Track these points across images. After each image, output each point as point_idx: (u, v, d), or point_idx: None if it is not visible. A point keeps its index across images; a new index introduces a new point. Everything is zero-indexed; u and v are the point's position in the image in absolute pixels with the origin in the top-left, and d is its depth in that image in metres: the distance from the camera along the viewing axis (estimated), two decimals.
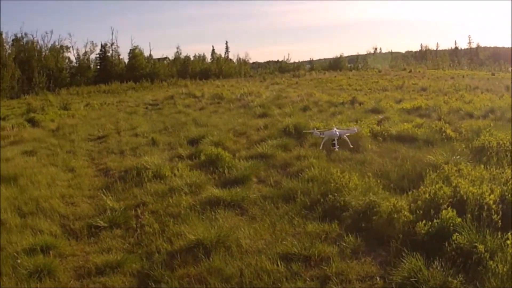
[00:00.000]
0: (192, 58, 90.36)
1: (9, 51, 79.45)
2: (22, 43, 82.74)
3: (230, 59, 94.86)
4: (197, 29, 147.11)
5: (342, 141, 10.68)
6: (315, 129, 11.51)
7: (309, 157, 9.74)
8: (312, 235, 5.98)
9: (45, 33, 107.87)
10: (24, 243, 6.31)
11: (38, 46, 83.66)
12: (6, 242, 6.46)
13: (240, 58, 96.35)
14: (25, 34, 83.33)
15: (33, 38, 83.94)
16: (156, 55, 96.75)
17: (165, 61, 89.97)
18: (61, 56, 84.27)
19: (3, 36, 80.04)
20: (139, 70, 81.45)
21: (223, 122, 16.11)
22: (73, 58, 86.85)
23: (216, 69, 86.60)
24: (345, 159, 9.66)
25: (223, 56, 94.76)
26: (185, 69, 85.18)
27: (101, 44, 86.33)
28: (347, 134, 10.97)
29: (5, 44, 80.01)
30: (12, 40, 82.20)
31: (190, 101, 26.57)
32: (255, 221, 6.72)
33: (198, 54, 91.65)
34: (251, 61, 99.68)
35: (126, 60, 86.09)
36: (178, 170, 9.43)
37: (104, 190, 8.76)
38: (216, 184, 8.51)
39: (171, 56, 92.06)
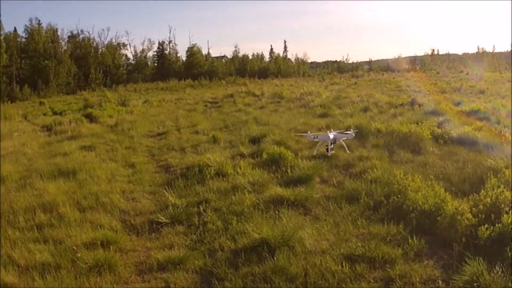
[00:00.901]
0: (250, 57, 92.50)
1: (65, 48, 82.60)
2: (78, 39, 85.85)
3: (289, 59, 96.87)
4: (255, 27, 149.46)
5: (339, 146, 10.62)
6: (309, 132, 11.32)
7: (372, 158, 9.86)
8: (376, 237, 6.07)
9: (101, 30, 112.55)
10: (83, 237, 6.51)
11: (95, 43, 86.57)
12: (64, 235, 6.70)
13: (298, 58, 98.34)
14: (81, 31, 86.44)
15: (90, 35, 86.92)
16: (214, 53, 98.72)
17: (223, 60, 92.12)
18: (118, 53, 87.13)
19: (59, 32, 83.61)
20: (197, 68, 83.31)
21: (284, 121, 16.33)
22: (130, 56, 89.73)
23: (275, 68, 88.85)
24: (407, 161, 9.79)
25: (281, 55, 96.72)
26: (244, 67, 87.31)
27: (159, 42, 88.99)
28: (343, 139, 10.78)
29: (61, 41, 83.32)
30: (68, 37, 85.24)
31: (250, 100, 27.06)
32: (319, 221, 6.81)
33: (257, 53, 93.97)
34: (309, 61, 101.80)
35: (184, 58, 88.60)
36: (240, 168, 9.55)
37: (165, 186, 8.96)
38: (279, 183, 8.60)
39: (229, 54, 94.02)
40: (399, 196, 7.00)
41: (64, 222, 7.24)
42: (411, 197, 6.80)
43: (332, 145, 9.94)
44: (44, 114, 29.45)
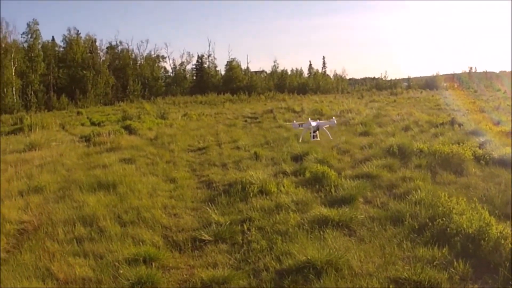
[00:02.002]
0: (289, 72, 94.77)
1: (104, 58, 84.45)
2: (116, 51, 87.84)
3: (327, 75, 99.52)
4: (294, 42, 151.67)
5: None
6: (294, 121, 11.72)
7: (415, 179, 9.78)
8: (421, 260, 6.03)
9: (140, 42, 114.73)
10: (125, 253, 6.54)
11: (133, 55, 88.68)
12: (105, 250, 6.74)
13: (337, 74, 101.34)
14: (120, 42, 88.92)
15: (128, 47, 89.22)
16: (253, 67, 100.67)
17: (262, 74, 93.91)
18: (156, 65, 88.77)
19: (98, 43, 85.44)
20: (236, 83, 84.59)
21: (325, 139, 16.24)
22: (169, 68, 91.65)
23: (314, 84, 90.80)
24: (449, 182, 9.70)
25: (320, 71, 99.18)
26: (283, 83, 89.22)
27: (198, 55, 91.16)
28: (326, 126, 12.88)
29: (99, 51, 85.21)
30: (107, 48, 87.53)
31: (290, 116, 27.34)
32: (364, 243, 6.77)
33: (296, 68, 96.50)
34: (347, 77, 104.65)
35: (223, 72, 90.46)
36: (283, 186, 9.56)
37: (208, 203, 8.98)
38: (323, 203, 8.58)
39: (268, 69, 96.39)
40: (443, 219, 6.99)
41: (105, 236, 7.29)
42: (455, 220, 6.79)
43: (316, 132, 10.30)
44: (82, 124, 30.03)
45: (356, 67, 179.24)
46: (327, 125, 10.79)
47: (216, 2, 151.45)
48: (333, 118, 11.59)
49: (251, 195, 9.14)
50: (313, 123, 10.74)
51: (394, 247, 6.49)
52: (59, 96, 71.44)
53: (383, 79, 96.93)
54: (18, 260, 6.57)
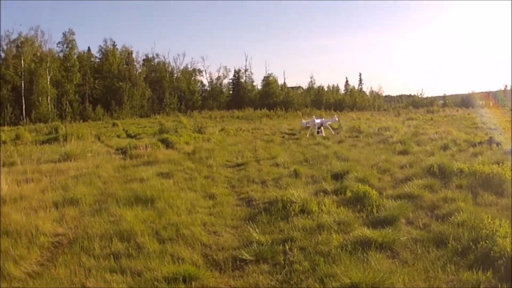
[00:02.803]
0: (326, 89, 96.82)
1: (140, 70, 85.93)
2: (153, 63, 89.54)
3: (364, 91, 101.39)
4: (330, 58, 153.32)
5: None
6: (302, 120, 12.46)
7: (456, 199, 9.71)
8: (465, 284, 6.02)
9: (177, 55, 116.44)
10: (164, 271, 6.45)
11: (170, 68, 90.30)
12: (143, 267, 6.68)
13: (373, 91, 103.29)
14: (157, 54, 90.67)
15: (165, 59, 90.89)
16: (290, 83, 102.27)
17: (298, 90, 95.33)
18: (193, 78, 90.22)
19: (134, 55, 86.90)
20: (272, 98, 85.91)
21: (365, 157, 16.32)
22: (205, 82, 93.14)
23: (350, 100, 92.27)
24: (491, 203, 9.63)
25: (356, 87, 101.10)
26: (319, 99, 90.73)
27: (235, 70, 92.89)
28: (329, 123, 16.06)
29: (135, 63, 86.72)
30: (143, 60, 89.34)
31: (328, 133, 27.09)
32: (408, 265, 6.70)
33: (332, 84, 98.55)
34: (383, 94, 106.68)
35: (259, 87, 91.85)
36: (325, 205, 9.49)
37: (248, 221, 8.93)
38: (365, 223, 8.53)
39: (304, 85, 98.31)
40: (487, 241, 6.94)
41: (142, 252, 7.24)
42: (499, 243, 6.74)
43: (321, 127, 10.94)
44: (118, 136, 30.40)
45: (392, 84, 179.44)
46: (329, 122, 11.61)
47: (253, 18, 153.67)
48: (335, 116, 12.64)
49: (292, 214, 9.08)
50: (317, 121, 11.97)
51: (438, 270, 6.43)
52: (95, 106, 72.59)
53: (419, 96, 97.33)
54: (52, 274, 6.56)
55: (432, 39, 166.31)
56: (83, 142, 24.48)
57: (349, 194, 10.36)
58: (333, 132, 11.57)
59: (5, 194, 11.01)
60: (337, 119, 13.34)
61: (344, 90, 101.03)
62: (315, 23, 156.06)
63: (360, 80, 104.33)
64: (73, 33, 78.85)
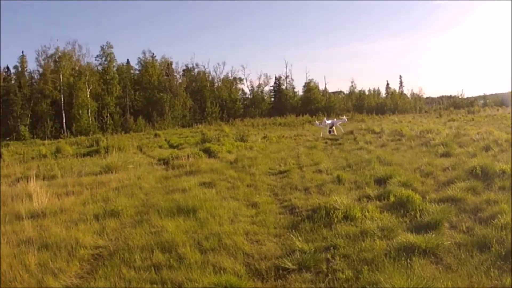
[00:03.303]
0: (367, 93, 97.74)
1: (180, 81, 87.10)
2: (193, 73, 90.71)
3: (404, 94, 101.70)
4: (371, 62, 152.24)
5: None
6: (316, 121, 14.06)
7: (500, 202, 9.52)
8: None
9: (217, 65, 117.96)
10: (205, 281, 6.44)
11: (210, 77, 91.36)
12: (184, 278, 6.66)
13: (414, 93, 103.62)
14: (196, 64, 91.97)
15: (205, 69, 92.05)
16: (331, 88, 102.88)
17: (340, 95, 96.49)
18: (234, 87, 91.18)
19: (174, 65, 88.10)
20: (314, 104, 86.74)
21: (407, 161, 16.21)
22: (246, 90, 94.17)
23: (392, 104, 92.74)
24: None
25: (397, 90, 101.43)
26: (361, 103, 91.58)
27: (275, 77, 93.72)
28: (339, 123, 19.97)
29: (175, 74, 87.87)
30: (183, 70, 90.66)
31: (370, 137, 27.50)
32: (451, 271, 6.61)
33: (373, 88, 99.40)
34: (424, 96, 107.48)
35: (301, 93, 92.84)
36: (368, 211, 9.44)
37: (290, 229, 8.85)
38: (408, 229, 8.42)
39: (345, 89, 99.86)
40: None
41: (184, 263, 7.21)
42: None
43: (332, 127, 17.86)
44: (160, 147, 30.69)
45: (433, 86, 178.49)
46: (340, 122, 12.97)
47: (292, 25, 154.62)
48: (344, 117, 13.42)
49: (335, 221, 9.04)
50: (328, 122, 13.84)
51: (482, 275, 6.33)
52: (136, 118, 73.63)
53: (460, 97, 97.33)
54: (91, 287, 6.60)
55: (470, 38, 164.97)
56: (124, 153, 24.84)
57: (392, 199, 10.30)
58: (342, 131, 12.61)
59: (45, 207, 11.16)
60: (346, 119, 16.01)
61: (385, 94, 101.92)
62: (355, 26, 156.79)
63: (401, 82, 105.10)
64: (111, 46, 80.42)
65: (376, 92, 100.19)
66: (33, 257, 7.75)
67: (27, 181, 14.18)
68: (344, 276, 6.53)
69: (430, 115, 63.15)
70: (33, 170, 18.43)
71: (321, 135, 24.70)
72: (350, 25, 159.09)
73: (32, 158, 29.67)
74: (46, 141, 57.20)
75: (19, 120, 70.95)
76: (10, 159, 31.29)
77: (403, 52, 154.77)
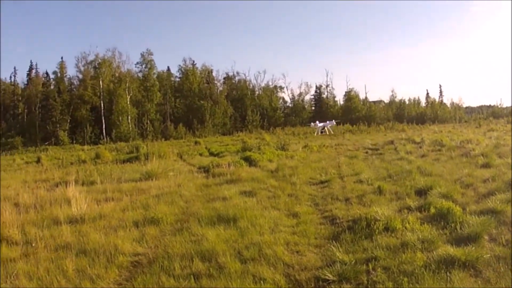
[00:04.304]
0: (407, 102, 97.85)
1: (221, 89, 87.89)
2: (234, 81, 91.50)
3: (444, 103, 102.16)
4: (411, 71, 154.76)
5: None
6: (311, 123, 27.40)
7: None
8: None
9: (257, 73, 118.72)
10: None
11: (251, 85, 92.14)
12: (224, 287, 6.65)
13: (453, 102, 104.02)
14: (237, 72, 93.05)
15: (246, 77, 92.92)
16: (371, 97, 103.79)
17: (380, 104, 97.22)
18: (275, 95, 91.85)
19: (214, 73, 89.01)
20: (354, 113, 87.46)
21: (448, 172, 16.08)
22: (287, 98, 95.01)
23: (431, 113, 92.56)
24: None
25: (437, 100, 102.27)
26: (401, 112, 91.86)
27: (316, 86, 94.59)
28: (329, 125, 45.79)
29: (216, 82, 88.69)
30: (224, 78, 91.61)
31: (411, 147, 27.35)
32: (490, 284, 6.62)
33: (413, 98, 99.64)
34: (464, 105, 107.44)
35: (341, 102, 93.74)
36: (408, 223, 9.37)
37: (331, 240, 8.83)
38: (448, 241, 8.37)
39: (385, 98, 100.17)
40: None
41: (224, 273, 7.24)
42: None
43: (324, 129, 34.79)
44: (200, 154, 30.91)
45: (472, 94, 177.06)
46: (330, 125, 19.89)
47: (331, 33, 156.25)
48: (333, 120, 15.75)
49: (376, 232, 9.00)
50: (320, 124, 24.06)
51: None
52: (176, 125, 74.33)
53: (499, 106, 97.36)
54: None
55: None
56: (164, 160, 25.04)
57: (433, 210, 10.24)
58: (332, 132, 16.89)
59: (84, 213, 11.32)
60: (334, 122, 31.66)
61: (425, 103, 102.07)
62: (394, 33, 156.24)
63: (441, 91, 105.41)
64: (151, 53, 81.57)
65: (416, 102, 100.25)
66: (71, 263, 7.89)
67: (66, 186, 14.41)
68: None
69: (470, 125, 63.29)
70: (72, 175, 18.71)
71: (315, 134, 37.70)
72: (391, 28, 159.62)
73: (71, 163, 30.23)
74: (85, 147, 58.22)
75: (58, 125, 72.43)
76: (49, 163, 31.97)
77: (443, 60, 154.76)
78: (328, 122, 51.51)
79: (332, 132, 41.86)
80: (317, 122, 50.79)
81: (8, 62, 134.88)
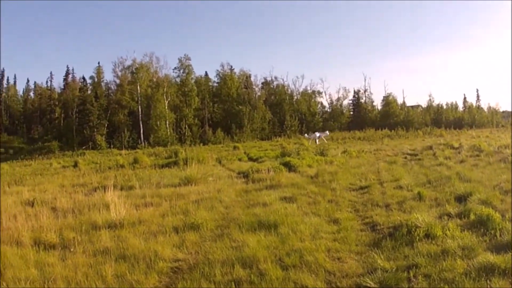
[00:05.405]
0: (444, 107, 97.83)
1: (259, 94, 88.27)
2: (272, 86, 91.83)
3: (481, 108, 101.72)
4: (447, 76, 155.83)
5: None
6: (306, 134, 29.29)
7: None
8: None
9: (295, 78, 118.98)
10: None
11: (289, 90, 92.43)
12: None
13: (491, 107, 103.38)
14: (275, 77, 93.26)
15: (284, 82, 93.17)
16: (409, 102, 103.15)
17: (418, 109, 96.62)
18: (313, 100, 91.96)
19: (252, 78, 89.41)
20: (393, 118, 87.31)
21: (486, 178, 15.99)
22: (325, 103, 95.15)
23: (469, 118, 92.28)
24: None
25: (474, 104, 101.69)
26: (439, 117, 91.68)
27: (354, 91, 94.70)
28: (323, 136, 51.02)
29: (254, 87, 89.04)
30: (262, 83, 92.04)
31: (449, 153, 27.35)
32: None
33: (451, 102, 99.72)
34: (501, 110, 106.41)
35: (379, 107, 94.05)
36: (449, 230, 9.30)
37: (372, 246, 8.82)
38: (488, 248, 8.32)
39: (423, 103, 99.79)
40: None
41: (265, 280, 7.24)
42: None
43: (318, 139, 44.55)
44: (239, 159, 31.00)
45: (509, 99, 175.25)
46: (324, 135, 33.56)
47: (369, 38, 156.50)
48: (327, 131, 18.08)
49: (417, 239, 8.97)
50: (317, 134, 31.95)
51: None
52: (215, 130, 74.68)
53: None
54: None
55: None
56: (203, 166, 25.15)
57: (472, 217, 10.20)
58: (325, 141, 20.71)
59: (123, 218, 11.41)
60: (328, 133, 40.60)
61: (462, 107, 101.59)
62: (431, 38, 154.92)
63: (478, 96, 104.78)
64: (189, 59, 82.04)
65: (454, 106, 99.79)
66: (110, 268, 7.96)
67: (104, 191, 14.57)
68: None
69: (507, 130, 62.99)
70: (110, 180, 18.88)
71: (309, 143, 44.12)
72: (429, 33, 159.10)
73: (109, 168, 30.53)
74: (123, 151, 58.85)
75: (95, 130, 73.34)
76: (86, 168, 32.37)
77: (479, 64, 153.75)
78: (321, 133, 55.43)
79: (326, 142, 47.23)
80: (311, 132, 59.78)
81: (44, 67, 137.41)
